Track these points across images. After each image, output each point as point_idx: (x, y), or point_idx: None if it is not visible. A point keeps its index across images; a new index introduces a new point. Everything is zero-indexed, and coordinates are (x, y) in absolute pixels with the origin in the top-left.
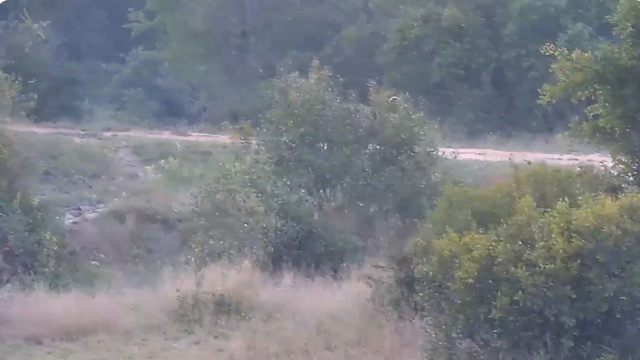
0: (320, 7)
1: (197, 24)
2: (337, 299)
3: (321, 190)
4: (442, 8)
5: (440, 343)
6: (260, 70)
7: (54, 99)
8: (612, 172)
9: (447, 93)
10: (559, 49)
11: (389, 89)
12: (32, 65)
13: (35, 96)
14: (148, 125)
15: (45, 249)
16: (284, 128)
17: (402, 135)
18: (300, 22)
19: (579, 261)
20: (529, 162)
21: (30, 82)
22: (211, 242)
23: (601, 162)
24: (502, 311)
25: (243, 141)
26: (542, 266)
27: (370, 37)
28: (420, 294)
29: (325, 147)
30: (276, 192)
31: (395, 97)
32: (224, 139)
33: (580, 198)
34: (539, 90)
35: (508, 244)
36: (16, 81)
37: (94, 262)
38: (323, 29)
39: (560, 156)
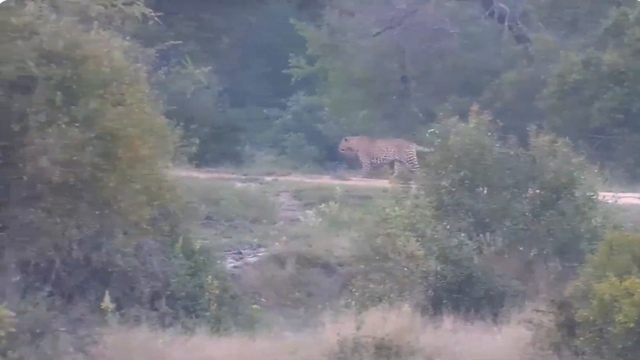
0: (480, 53)
1: (358, 70)
2: (497, 343)
3: (481, 234)
4: (602, 53)
5: None
6: (420, 115)
7: (215, 144)
8: None
9: (607, 137)
10: None
11: (548, 133)
12: (193, 111)
13: (197, 141)
14: (308, 170)
15: (206, 293)
16: (443, 172)
17: (562, 180)
18: (460, 67)
19: None
20: None
21: (191, 127)
22: (371, 286)
23: None
24: None
25: (403, 185)
26: None
27: (530, 82)
28: (581, 338)
29: (484, 191)
30: (436, 236)
31: (555, 141)
32: (383, 183)
33: None
34: None
35: None
36: (178, 126)
37: (254, 306)
38: (483, 74)
39: None
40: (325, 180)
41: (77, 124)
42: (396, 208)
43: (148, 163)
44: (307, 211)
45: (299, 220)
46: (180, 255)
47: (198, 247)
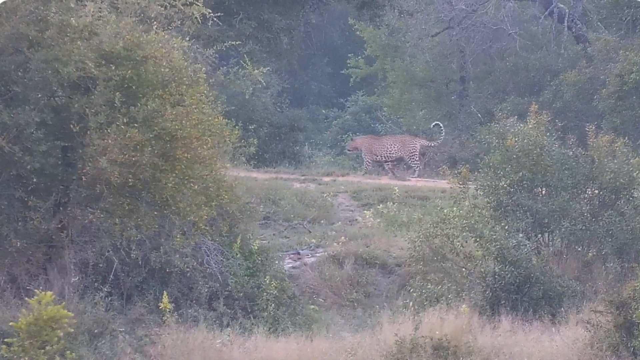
0: (540, 53)
1: (418, 71)
2: (555, 343)
3: (539, 235)
4: None
5: None
6: (479, 115)
7: (274, 144)
8: None
9: None
10: None
11: (608, 133)
12: (252, 111)
13: (256, 141)
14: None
15: (264, 294)
16: (502, 173)
17: (621, 180)
18: (519, 67)
19: None
20: None
21: (250, 127)
22: (429, 286)
23: None
24: None
25: (461, 186)
26: None
27: (590, 82)
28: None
29: (543, 192)
30: (494, 236)
31: (614, 141)
32: (442, 184)
33: None
34: None
35: None
36: (237, 127)
37: (312, 307)
38: (542, 74)
39: None
40: (384, 181)
41: (136, 125)
42: (454, 208)
43: (207, 163)
44: (365, 212)
45: (357, 221)
46: (239, 255)
47: (256, 247)
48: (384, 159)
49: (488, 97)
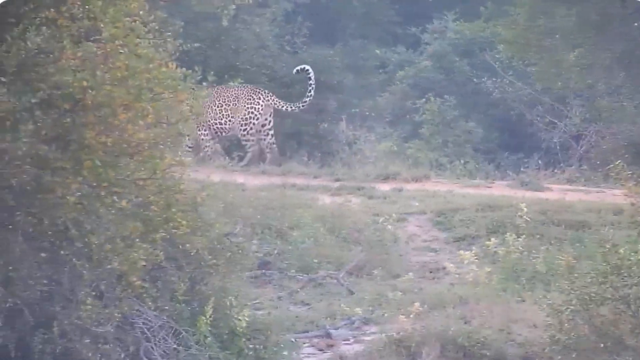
0: None
1: None
2: None
3: None
4: None
5: None
6: None
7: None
8: None
9: None
10: None
11: None
12: (235, 53)
13: None
14: (465, 170)
15: None
16: None
17: None
18: None
19: None
20: None
21: (233, 84)
22: None
23: None
24: None
25: None
26: None
27: None
28: None
29: None
30: None
31: None
32: (614, 196)
33: None
34: None
35: None
36: (205, 84)
37: None
38: None
39: None
40: (500, 189)
41: (2, 79)
42: None
43: (145, 157)
44: (463, 252)
45: (445, 270)
46: (209, 339)
47: (244, 324)
48: (214, 131)
49: None
